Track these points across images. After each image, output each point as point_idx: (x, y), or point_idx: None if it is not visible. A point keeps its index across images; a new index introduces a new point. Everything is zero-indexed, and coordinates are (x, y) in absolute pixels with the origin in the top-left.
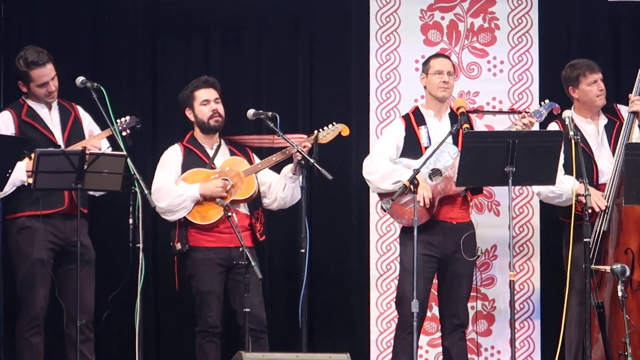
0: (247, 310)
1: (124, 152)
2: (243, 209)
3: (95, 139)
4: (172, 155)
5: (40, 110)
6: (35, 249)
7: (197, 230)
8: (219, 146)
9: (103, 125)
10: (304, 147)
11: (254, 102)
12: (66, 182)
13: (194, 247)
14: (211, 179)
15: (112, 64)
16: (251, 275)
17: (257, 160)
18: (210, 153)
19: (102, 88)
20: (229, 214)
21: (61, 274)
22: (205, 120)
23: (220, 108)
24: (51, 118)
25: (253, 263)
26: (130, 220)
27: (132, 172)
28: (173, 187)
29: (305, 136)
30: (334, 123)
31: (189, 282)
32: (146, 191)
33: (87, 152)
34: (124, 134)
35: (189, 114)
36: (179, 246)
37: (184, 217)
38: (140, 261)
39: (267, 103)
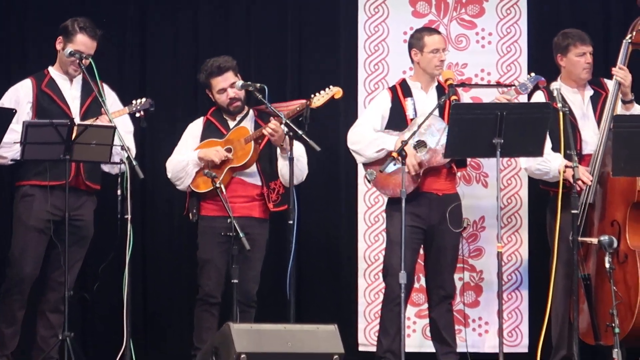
0: (235, 281)
1: (113, 124)
2: (252, 178)
3: (111, 115)
4: (192, 129)
5: (62, 82)
6: (34, 218)
7: (205, 200)
8: (242, 118)
9: (125, 104)
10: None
11: (243, 75)
12: (54, 153)
13: (202, 216)
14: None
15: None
16: (241, 246)
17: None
18: (232, 125)
19: (91, 60)
20: (217, 185)
21: (56, 245)
22: (225, 107)
23: (237, 92)
24: (71, 92)
25: (241, 234)
26: (119, 192)
27: (121, 144)
28: (177, 157)
29: (303, 100)
30: (330, 87)
31: (196, 251)
32: (134, 162)
33: (76, 123)
34: (137, 115)
35: (209, 94)
36: (190, 216)
37: (191, 188)
38: (129, 232)
39: (255, 76)
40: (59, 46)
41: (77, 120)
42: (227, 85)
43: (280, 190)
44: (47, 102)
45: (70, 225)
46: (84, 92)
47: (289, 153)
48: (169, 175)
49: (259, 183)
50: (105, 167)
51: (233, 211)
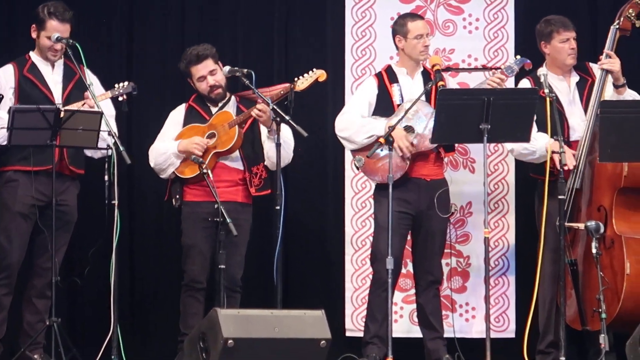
0: (222, 267)
1: (100, 109)
2: (235, 163)
3: (89, 101)
4: (174, 116)
5: (44, 67)
6: (19, 204)
7: (188, 186)
8: (225, 104)
9: (107, 88)
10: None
11: (230, 60)
12: (41, 138)
13: (185, 201)
14: (196, 135)
15: (88, 24)
16: (227, 232)
17: None
18: (214, 110)
19: (77, 45)
20: (204, 170)
21: (42, 231)
22: (205, 94)
23: (217, 79)
24: (53, 76)
25: (228, 220)
26: (106, 178)
27: (108, 129)
28: (159, 147)
29: (287, 84)
30: (313, 70)
31: (180, 237)
32: (121, 148)
33: (63, 108)
34: (120, 99)
35: (190, 82)
36: (173, 202)
37: (175, 174)
38: (116, 218)
39: (242, 61)
40: (34, 34)
41: (60, 105)
42: (207, 72)
43: (262, 175)
44: (30, 87)
45: (55, 210)
46: (65, 76)
47: (276, 138)
48: (152, 164)
49: (242, 168)
50: (88, 152)
51: (218, 196)
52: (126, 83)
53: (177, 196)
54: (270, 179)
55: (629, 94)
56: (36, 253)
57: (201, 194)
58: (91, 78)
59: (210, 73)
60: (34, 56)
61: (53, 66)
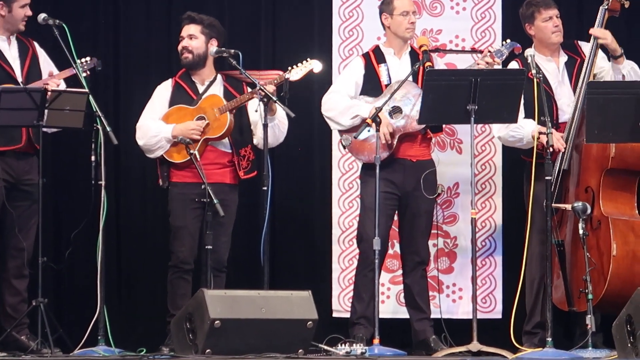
0: (209, 247)
1: (86, 89)
2: (223, 146)
3: (57, 77)
4: (161, 91)
5: (1, 44)
6: None
7: (175, 167)
8: (211, 82)
9: (60, 64)
10: (270, 88)
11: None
12: (27, 119)
13: (173, 182)
14: (188, 118)
15: (73, 3)
16: (214, 213)
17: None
18: (201, 89)
19: (64, 25)
20: (191, 151)
21: (10, 212)
22: (179, 56)
23: (192, 44)
24: (10, 52)
25: (215, 201)
26: (93, 158)
27: (94, 109)
28: (150, 126)
29: (280, 72)
30: (308, 59)
31: (168, 218)
32: (108, 128)
33: (49, 89)
34: (83, 74)
35: None
36: (160, 182)
37: (162, 156)
38: (103, 198)
39: (229, 41)
40: (2, 11)
41: (20, 82)
42: (186, 34)
43: (250, 157)
44: None
45: (22, 190)
46: (21, 51)
47: (264, 119)
48: (140, 143)
49: (229, 150)
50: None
51: (206, 178)
52: (89, 58)
53: (165, 177)
54: (257, 160)
55: (628, 64)
56: (7, 235)
57: (190, 175)
58: (41, 53)
59: (189, 37)
60: None
61: (9, 42)
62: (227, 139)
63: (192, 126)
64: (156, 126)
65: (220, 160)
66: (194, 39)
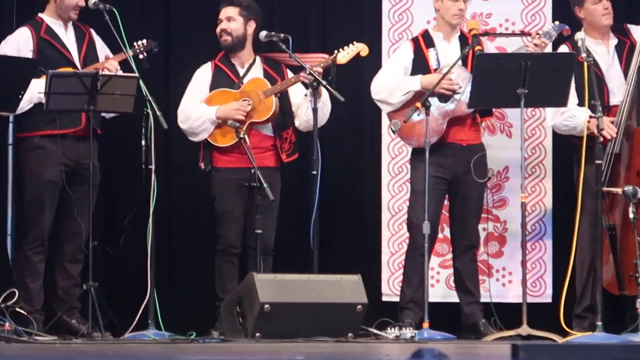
0: (259, 232)
1: (136, 74)
2: (266, 129)
3: (113, 60)
4: (201, 75)
5: (58, 29)
6: (48, 170)
7: (219, 152)
8: (251, 64)
9: (114, 49)
10: (316, 71)
11: (267, 24)
12: (79, 103)
13: (216, 167)
14: (232, 101)
15: None
16: (263, 196)
17: None
18: (241, 72)
19: (114, 10)
20: (241, 135)
21: (69, 196)
22: (219, 39)
23: (231, 26)
24: (67, 38)
25: (265, 185)
26: (143, 142)
27: (145, 94)
28: (194, 110)
29: (326, 56)
30: (354, 42)
31: (212, 203)
32: (158, 113)
33: (100, 73)
34: (140, 57)
35: None
36: (202, 166)
37: (206, 139)
38: (153, 183)
39: (279, 25)
40: None
41: (78, 66)
42: (224, 17)
43: (292, 139)
44: (48, 49)
45: (81, 174)
46: (78, 37)
47: (313, 102)
48: (184, 126)
49: (272, 134)
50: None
51: (247, 162)
52: (145, 41)
53: (207, 161)
54: (299, 142)
55: None
56: (64, 218)
57: (233, 160)
58: (97, 39)
59: (227, 19)
60: (46, 18)
61: (66, 28)
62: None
63: (236, 106)
64: (199, 109)
65: (264, 144)
66: (232, 21)
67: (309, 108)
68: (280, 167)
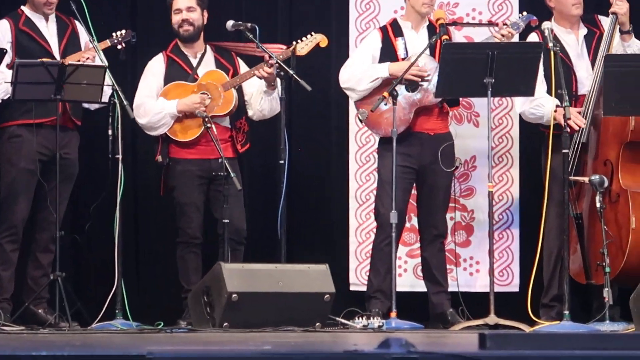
0: (226, 221)
1: (103, 64)
2: (224, 122)
3: (92, 50)
4: (155, 67)
5: (38, 21)
6: (23, 159)
7: (177, 145)
8: (203, 54)
9: (98, 39)
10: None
11: (233, 13)
12: (45, 93)
13: (175, 159)
14: (190, 94)
15: None
16: (230, 186)
17: (243, 67)
18: (194, 62)
19: (81, 0)
20: (208, 125)
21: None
22: (176, 29)
23: (192, 16)
24: (48, 29)
25: (232, 174)
26: (110, 132)
27: (111, 84)
28: (152, 104)
29: (284, 47)
30: (312, 33)
31: (171, 194)
32: (125, 102)
33: (68, 63)
34: (119, 47)
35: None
36: (160, 159)
37: (165, 133)
38: (120, 172)
39: (246, 14)
40: None
41: (57, 58)
42: (184, 7)
43: (245, 129)
44: (27, 40)
45: (60, 163)
46: (59, 29)
47: (281, 92)
48: (142, 121)
49: (228, 125)
50: (85, 103)
51: (207, 154)
52: (124, 31)
53: (165, 153)
54: (250, 132)
55: (635, 43)
56: (39, 207)
57: (192, 152)
58: (82, 30)
59: (187, 9)
60: (27, 10)
61: (47, 19)
62: None
63: (197, 100)
64: (159, 104)
65: (222, 135)
66: (192, 11)
67: (263, 98)
68: (236, 158)
